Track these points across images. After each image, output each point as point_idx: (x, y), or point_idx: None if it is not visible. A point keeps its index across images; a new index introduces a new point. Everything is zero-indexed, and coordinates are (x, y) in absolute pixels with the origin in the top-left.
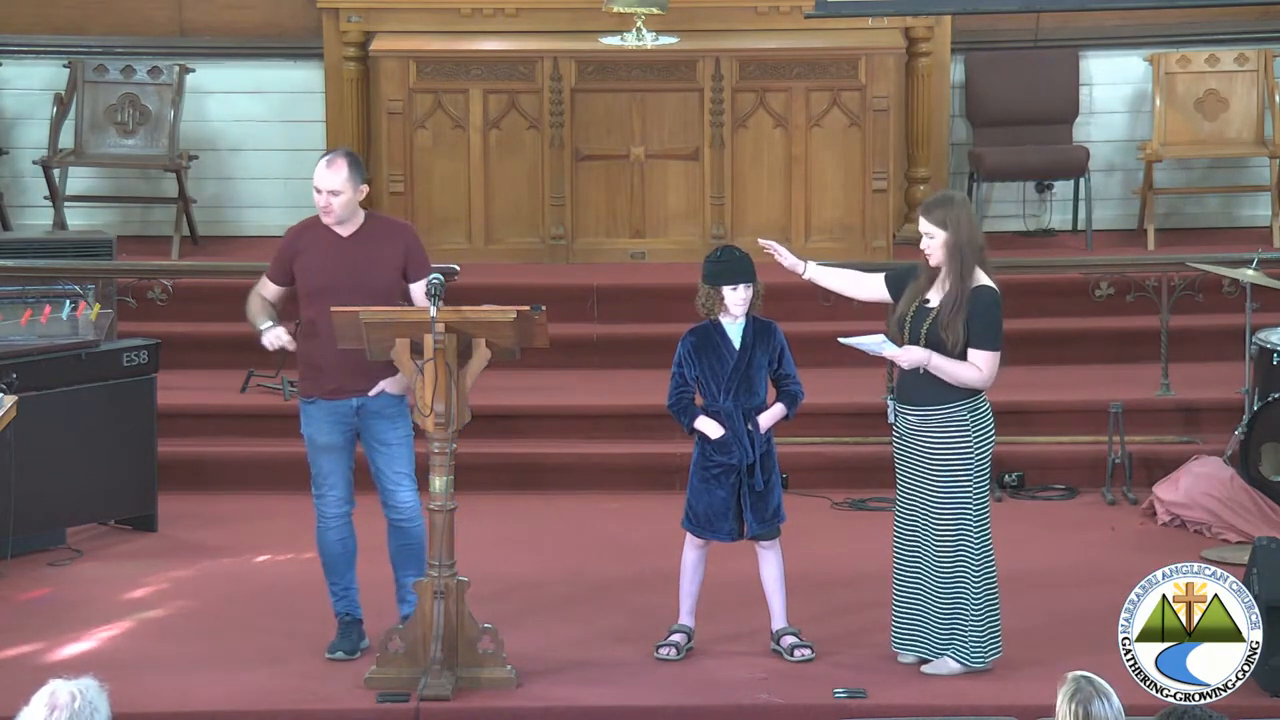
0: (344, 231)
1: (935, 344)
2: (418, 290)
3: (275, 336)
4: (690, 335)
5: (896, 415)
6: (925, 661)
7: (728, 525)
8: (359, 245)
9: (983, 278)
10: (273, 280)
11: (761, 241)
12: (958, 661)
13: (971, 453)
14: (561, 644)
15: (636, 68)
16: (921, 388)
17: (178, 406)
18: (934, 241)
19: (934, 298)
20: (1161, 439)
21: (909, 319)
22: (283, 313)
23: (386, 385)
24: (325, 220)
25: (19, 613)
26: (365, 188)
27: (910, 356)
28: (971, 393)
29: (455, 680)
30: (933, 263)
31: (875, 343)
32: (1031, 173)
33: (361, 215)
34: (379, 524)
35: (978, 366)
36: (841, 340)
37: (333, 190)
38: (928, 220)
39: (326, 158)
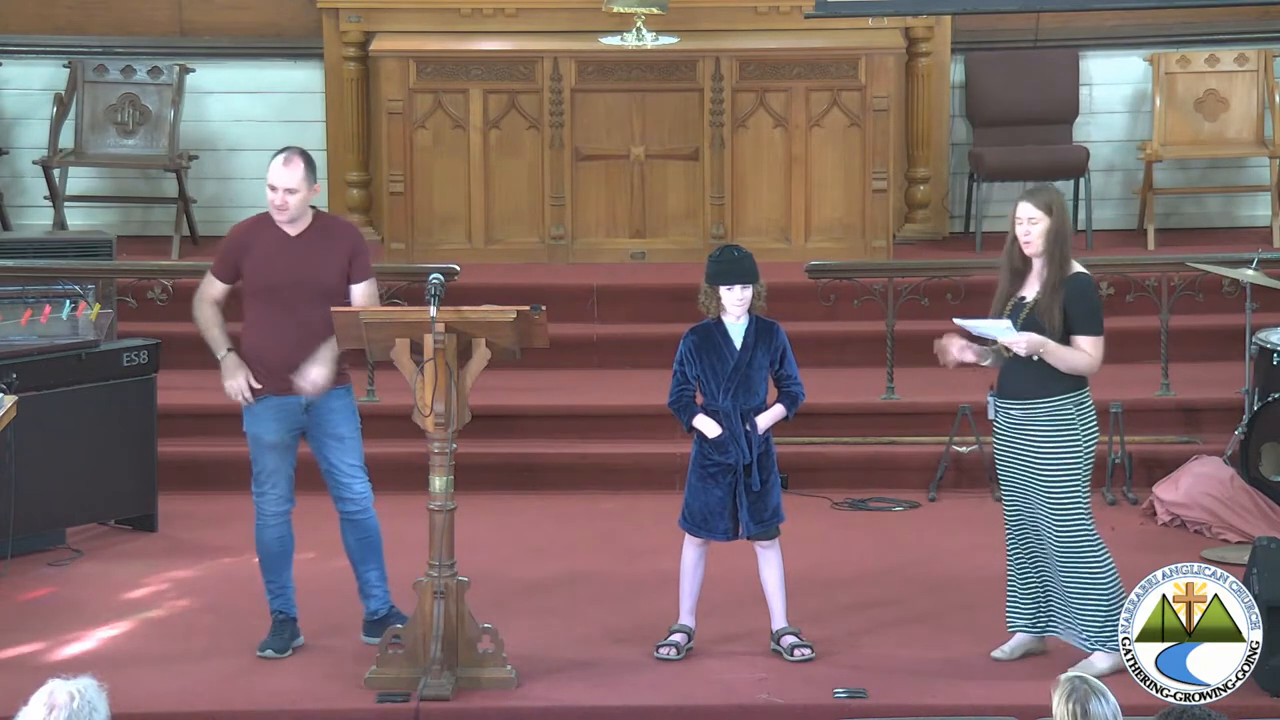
0: (292, 230)
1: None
2: (358, 292)
3: (236, 389)
4: (692, 334)
5: (998, 411)
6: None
7: (724, 524)
8: (306, 244)
9: (1076, 265)
10: (219, 278)
11: (938, 344)
12: (1106, 651)
13: (1079, 447)
14: (561, 644)
15: (636, 68)
16: (1025, 381)
17: (178, 406)
18: (1036, 227)
19: (1029, 293)
20: (1161, 439)
21: (1006, 318)
22: (225, 310)
23: (316, 376)
24: (279, 218)
25: (19, 613)
26: (318, 187)
27: (1029, 340)
28: (1076, 385)
29: (455, 680)
30: (1030, 251)
31: (1002, 328)
32: (1031, 173)
33: (310, 214)
34: (329, 523)
35: (1086, 351)
36: (960, 321)
37: (289, 188)
38: (1033, 205)
39: (282, 155)
